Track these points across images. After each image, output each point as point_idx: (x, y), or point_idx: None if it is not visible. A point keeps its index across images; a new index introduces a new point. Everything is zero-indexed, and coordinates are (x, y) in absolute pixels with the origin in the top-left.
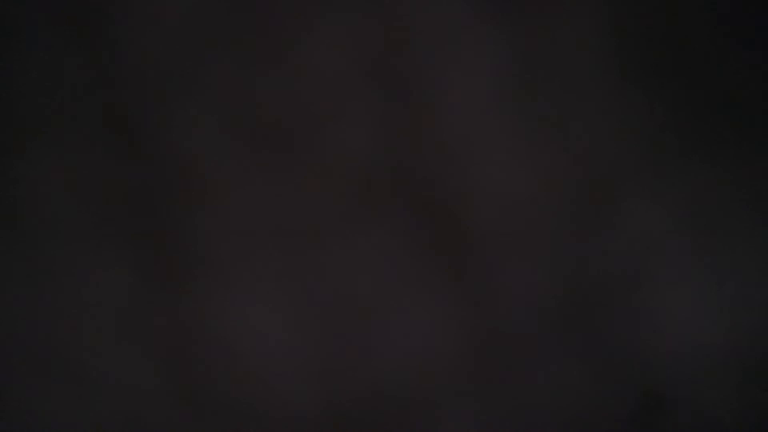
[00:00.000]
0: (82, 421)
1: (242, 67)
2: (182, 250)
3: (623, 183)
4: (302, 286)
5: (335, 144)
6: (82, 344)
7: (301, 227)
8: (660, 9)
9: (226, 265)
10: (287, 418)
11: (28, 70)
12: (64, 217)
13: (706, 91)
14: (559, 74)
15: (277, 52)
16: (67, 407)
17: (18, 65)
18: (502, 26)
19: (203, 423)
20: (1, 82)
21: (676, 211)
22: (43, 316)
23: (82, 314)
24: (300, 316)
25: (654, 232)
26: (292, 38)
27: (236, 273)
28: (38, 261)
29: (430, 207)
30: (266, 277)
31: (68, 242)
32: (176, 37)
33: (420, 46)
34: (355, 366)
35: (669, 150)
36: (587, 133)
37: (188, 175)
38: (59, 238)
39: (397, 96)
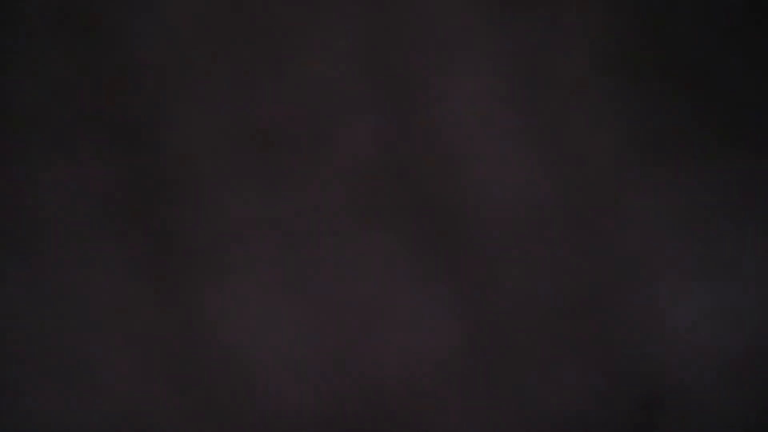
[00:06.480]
0: (82, 421)
1: (242, 68)
2: (182, 250)
3: (624, 183)
4: (303, 285)
5: (336, 144)
6: (81, 344)
7: (301, 227)
8: (660, 9)
9: (226, 265)
10: (287, 417)
11: (29, 70)
12: (64, 217)
13: (706, 91)
14: (559, 74)
15: (277, 53)
16: (67, 407)
17: (18, 65)
18: (502, 26)
19: (203, 422)
20: (1, 82)
21: (677, 212)
22: (43, 315)
23: (82, 314)
24: (300, 316)
25: (655, 232)
26: (293, 39)
27: (236, 273)
28: (38, 260)
29: (431, 207)
30: (267, 276)
31: (68, 242)
32: (176, 38)
33: (420, 47)
34: (355, 365)
35: (669, 150)
36: (588, 133)
37: (188, 175)
38: (59, 237)
39: (397, 96)
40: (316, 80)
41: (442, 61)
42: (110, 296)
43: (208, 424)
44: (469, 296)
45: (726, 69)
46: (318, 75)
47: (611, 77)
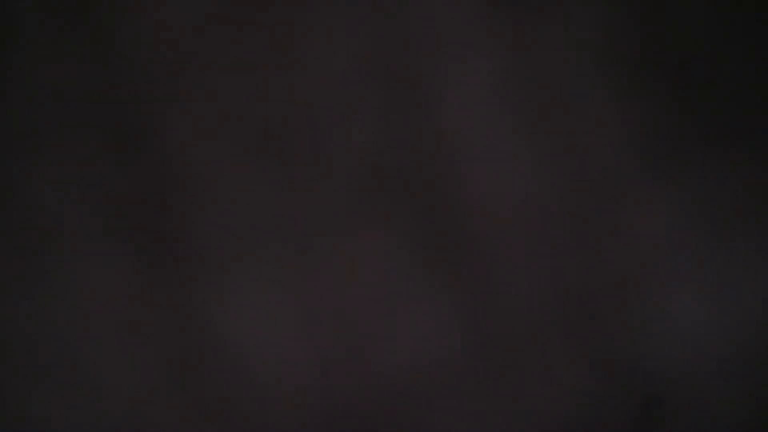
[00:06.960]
0: (82, 421)
1: (244, 69)
2: (183, 250)
3: (624, 184)
4: (303, 285)
5: (336, 144)
6: (81, 344)
7: (301, 227)
8: (660, 9)
9: (226, 265)
10: (288, 416)
11: (30, 71)
12: (65, 217)
13: (707, 91)
14: (560, 75)
15: (277, 53)
16: (67, 407)
17: (20, 67)
18: (502, 26)
19: (203, 422)
20: (3, 83)
21: (677, 212)
22: (44, 315)
23: (83, 314)
24: (300, 316)
25: (655, 234)
26: (293, 39)
27: (237, 273)
28: (39, 261)
29: (431, 207)
30: (267, 276)
31: (69, 242)
32: (177, 38)
33: (421, 47)
34: (355, 365)
35: (670, 152)
36: (588, 134)
37: (189, 176)
38: (60, 237)
39: (397, 96)
40: (317, 82)
41: (443, 62)
42: (110, 296)
43: (208, 424)
44: (470, 296)
45: (726, 69)
46: (319, 77)
47: (611, 77)
